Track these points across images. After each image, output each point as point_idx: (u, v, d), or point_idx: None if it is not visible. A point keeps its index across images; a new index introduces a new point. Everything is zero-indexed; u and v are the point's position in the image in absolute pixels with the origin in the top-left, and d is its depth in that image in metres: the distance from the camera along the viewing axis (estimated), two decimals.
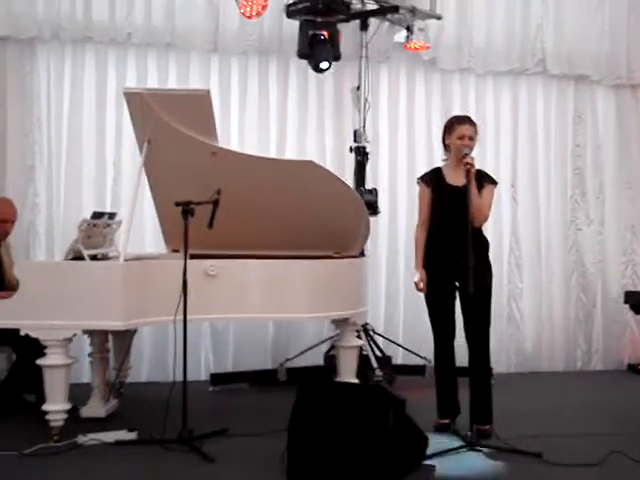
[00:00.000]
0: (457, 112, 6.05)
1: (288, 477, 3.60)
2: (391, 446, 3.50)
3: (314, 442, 3.58)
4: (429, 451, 3.94)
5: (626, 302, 4.93)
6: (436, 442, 4.06)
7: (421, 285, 4.53)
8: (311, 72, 6.05)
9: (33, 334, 4.12)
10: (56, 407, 4.17)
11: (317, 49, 5.67)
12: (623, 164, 6.83)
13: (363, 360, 5.57)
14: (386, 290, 6.41)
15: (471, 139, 4.47)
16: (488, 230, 6.04)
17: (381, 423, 3.51)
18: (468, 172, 4.30)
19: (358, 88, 6.02)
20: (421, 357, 5.81)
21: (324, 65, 5.83)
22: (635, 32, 6.74)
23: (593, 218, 6.74)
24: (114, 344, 5.06)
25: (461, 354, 4.56)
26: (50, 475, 3.75)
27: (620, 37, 6.73)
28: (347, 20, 5.94)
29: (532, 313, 6.63)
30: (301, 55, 5.79)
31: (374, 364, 5.72)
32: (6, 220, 5.08)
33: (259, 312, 4.62)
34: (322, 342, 5.94)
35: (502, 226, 6.56)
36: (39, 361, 4.17)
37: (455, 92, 6.56)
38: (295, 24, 5.88)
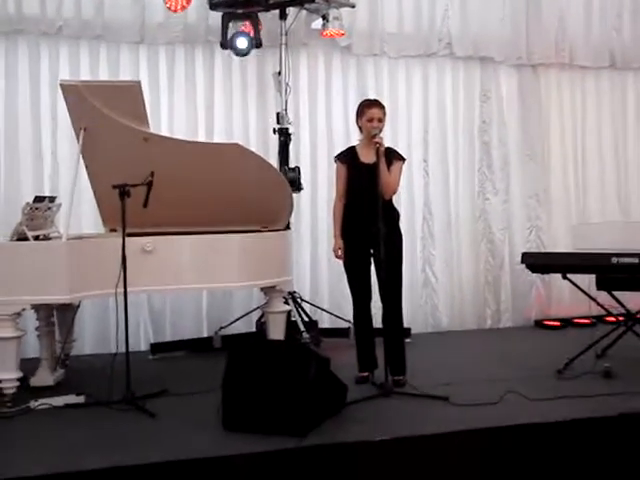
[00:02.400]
0: (372, 94, 6.56)
1: (224, 426, 4.02)
2: (313, 395, 3.96)
3: (245, 394, 4.00)
4: (349, 399, 4.43)
5: (522, 262, 5.41)
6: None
7: (339, 252, 4.99)
8: (235, 59, 6.44)
9: None
10: (8, 376, 4.46)
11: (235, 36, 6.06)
12: (526, 138, 7.39)
13: (292, 325, 6.03)
14: (310, 260, 6.83)
15: (380, 121, 4.91)
16: (402, 202, 6.64)
17: (303, 375, 3.95)
18: (377, 150, 4.78)
19: (279, 73, 6.38)
20: (345, 320, 6.24)
21: (241, 43, 6.11)
22: (534, 16, 7.30)
23: (499, 188, 7.29)
24: (58, 319, 5.32)
25: (380, 316, 5.04)
26: (6, 437, 4.04)
27: (520, 21, 7.27)
28: (267, 10, 6.35)
29: (445, 277, 7.15)
30: (223, 46, 6.16)
31: (302, 328, 6.21)
32: None
33: (193, 283, 4.99)
34: (253, 310, 6.37)
35: (415, 198, 7.05)
36: None
37: (370, 75, 6.99)
38: (218, 14, 6.27)
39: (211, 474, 3.59)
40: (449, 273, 7.19)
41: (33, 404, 4.53)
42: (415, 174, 7.06)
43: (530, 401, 4.47)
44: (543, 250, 7.22)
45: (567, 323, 7.17)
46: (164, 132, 6.01)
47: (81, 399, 4.63)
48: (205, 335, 6.46)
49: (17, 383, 4.55)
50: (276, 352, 4.22)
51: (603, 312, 5.74)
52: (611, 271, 5.16)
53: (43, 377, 5.06)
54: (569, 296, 7.11)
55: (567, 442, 4.07)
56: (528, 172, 7.40)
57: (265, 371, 4.02)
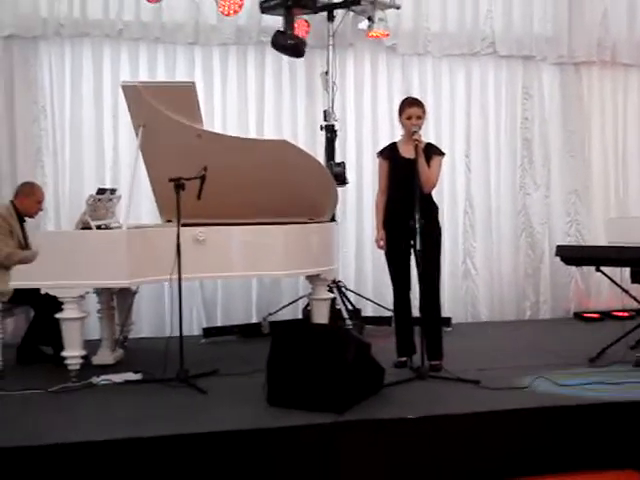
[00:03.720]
0: (416, 92, 6.87)
1: (268, 402, 4.34)
2: (351, 375, 4.24)
3: (289, 373, 4.30)
4: (387, 382, 4.69)
5: (557, 254, 5.64)
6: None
7: (381, 243, 5.25)
8: (285, 59, 6.77)
9: (52, 292, 4.81)
10: (73, 353, 4.88)
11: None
12: (567, 135, 7.58)
13: (336, 313, 6.36)
14: (355, 251, 7.14)
15: (419, 118, 5.15)
16: (445, 196, 6.90)
17: (342, 356, 4.23)
18: (416, 147, 5.05)
19: (327, 73, 6.70)
20: (387, 309, 6.48)
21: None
22: (576, 14, 7.49)
23: (540, 183, 7.51)
24: (118, 303, 5.73)
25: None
26: (72, 408, 4.43)
27: (562, 19, 7.46)
28: (315, 12, 6.66)
29: (485, 269, 7.41)
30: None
31: (345, 316, 6.51)
32: (42, 201, 5.80)
33: (242, 271, 5.31)
34: (299, 298, 6.70)
35: (457, 192, 7.32)
36: (58, 315, 4.86)
37: (414, 74, 7.28)
38: (270, 17, 6.60)
39: (256, 444, 3.89)
40: (489, 265, 7.43)
41: (95, 380, 4.90)
42: (458, 169, 7.33)
43: (559, 387, 4.67)
44: (583, 244, 7.39)
45: (606, 315, 7.33)
46: (217, 129, 6.37)
47: (139, 376, 4.99)
48: (254, 321, 6.82)
49: (81, 360, 4.95)
50: (318, 335, 4.53)
51: None
52: None
53: (104, 356, 5.47)
54: (608, 289, 7.28)
55: (593, 425, 4.27)
56: (568, 168, 7.59)
57: (307, 352, 4.31)
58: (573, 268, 7.27)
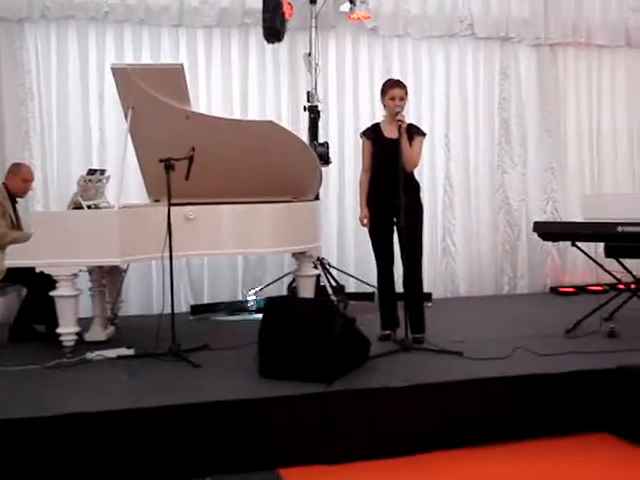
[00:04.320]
0: (397, 73, 7.03)
1: (260, 373, 4.52)
2: (338, 347, 4.41)
3: (279, 346, 4.47)
4: (372, 354, 4.88)
5: (534, 230, 5.84)
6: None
7: (365, 221, 5.41)
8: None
9: (46, 271, 4.93)
10: (68, 330, 5.01)
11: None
12: (543, 114, 7.80)
13: (320, 289, 6.54)
14: (337, 229, 7.32)
15: (401, 99, 5.29)
16: (425, 175, 7.10)
17: (329, 329, 4.40)
18: (400, 127, 5.20)
19: (309, 54, 6.83)
20: (369, 285, 6.68)
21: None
22: None
23: (517, 162, 7.74)
24: (108, 282, 5.85)
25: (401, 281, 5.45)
26: (69, 382, 4.55)
27: (538, 2, 7.67)
28: None
29: (464, 246, 7.64)
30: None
31: (330, 292, 6.69)
32: (30, 180, 5.91)
33: (231, 248, 5.44)
34: (285, 275, 6.88)
35: (437, 171, 7.52)
36: (52, 292, 4.98)
37: (394, 56, 7.44)
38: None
39: (248, 413, 4.06)
40: (468, 242, 7.65)
41: (90, 355, 5.03)
42: (437, 148, 7.52)
43: (538, 356, 4.88)
44: (559, 220, 7.61)
45: (581, 290, 7.59)
46: (202, 110, 6.44)
47: (131, 351, 5.13)
48: (240, 298, 6.98)
49: (75, 337, 5.09)
50: (306, 309, 4.71)
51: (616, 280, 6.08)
52: (617, 239, 5.49)
53: (96, 333, 5.59)
54: (583, 265, 7.53)
55: (569, 392, 4.49)
56: (545, 147, 7.82)
57: (296, 325, 4.47)
58: (549, 244, 7.49)
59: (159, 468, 3.87)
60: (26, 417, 3.83)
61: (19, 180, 5.81)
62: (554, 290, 7.71)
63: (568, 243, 5.78)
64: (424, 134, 5.48)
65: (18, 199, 5.91)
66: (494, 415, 4.37)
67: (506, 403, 4.41)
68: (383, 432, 4.19)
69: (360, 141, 5.57)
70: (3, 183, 5.78)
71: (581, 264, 7.61)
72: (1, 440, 3.72)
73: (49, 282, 5.04)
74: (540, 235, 5.83)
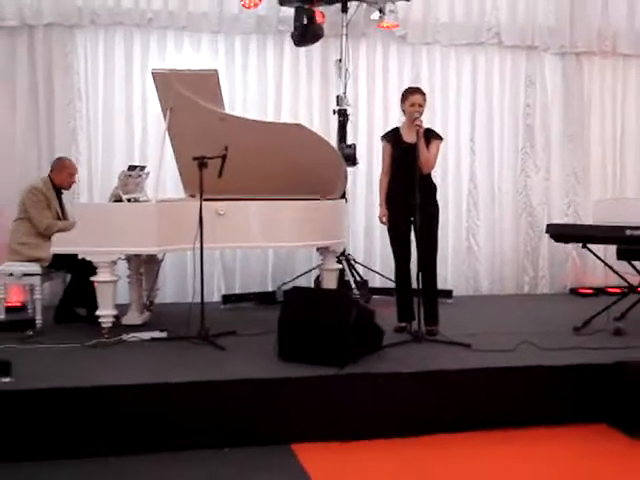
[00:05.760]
0: (425, 80, 7.38)
1: (279, 356, 4.89)
2: (352, 334, 4.74)
3: (297, 331, 4.84)
4: (385, 343, 5.21)
5: (546, 232, 6.11)
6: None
7: (384, 219, 5.75)
8: (302, 48, 7.25)
9: (88, 258, 5.36)
10: (106, 312, 5.42)
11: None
12: (567, 121, 8.05)
13: (345, 284, 6.90)
14: (365, 227, 7.66)
15: (420, 106, 5.60)
16: (450, 176, 7.43)
17: (345, 317, 4.75)
18: (417, 131, 5.53)
19: (340, 60, 7.17)
20: (392, 281, 7.01)
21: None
22: (577, 6, 7.94)
23: (540, 166, 7.99)
24: (145, 271, 6.27)
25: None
26: (106, 359, 4.97)
27: (565, 11, 7.90)
28: (330, 4, 7.14)
29: (487, 246, 7.93)
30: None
31: (353, 286, 7.04)
32: (75, 174, 6.35)
33: (259, 242, 5.82)
34: (311, 269, 7.24)
35: (462, 173, 7.82)
36: (93, 278, 5.41)
37: (423, 62, 7.75)
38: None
39: (266, 392, 4.43)
40: (491, 242, 7.94)
41: (125, 336, 5.45)
42: (463, 152, 7.84)
43: (541, 350, 5.17)
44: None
45: (599, 292, 7.81)
46: (238, 112, 6.84)
47: (164, 334, 5.54)
48: (270, 289, 7.38)
49: (113, 319, 5.50)
50: (324, 298, 5.08)
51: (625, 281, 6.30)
52: (626, 242, 5.72)
53: (132, 317, 6.02)
54: (602, 267, 7.71)
55: (568, 384, 4.78)
56: (568, 152, 8.06)
57: (314, 313, 4.84)
58: (570, 246, 7.74)
59: (181, 437, 4.26)
60: (68, 387, 4.26)
61: (66, 175, 6.24)
62: (573, 291, 7.96)
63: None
64: (441, 138, 5.77)
65: (63, 191, 6.33)
66: (496, 402, 4.68)
67: (507, 392, 4.70)
68: (391, 414, 4.53)
69: (381, 144, 5.89)
70: (49, 176, 6.21)
71: (601, 266, 7.77)
72: (46, 406, 4.15)
73: (91, 268, 5.45)
74: (552, 236, 6.08)
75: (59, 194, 6.24)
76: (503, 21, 7.79)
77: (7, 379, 4.28)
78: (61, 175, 6.22)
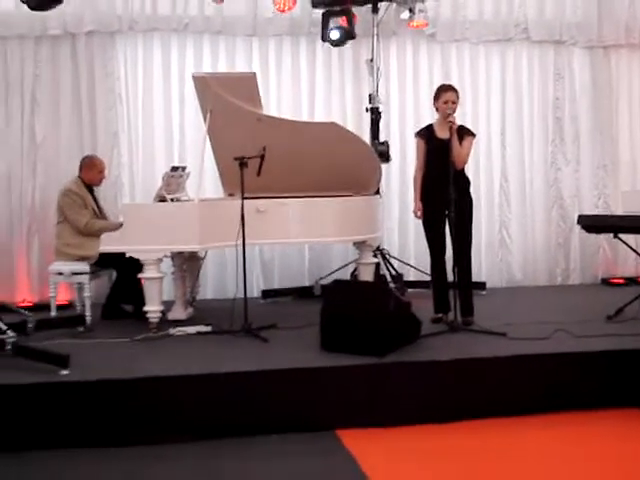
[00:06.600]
0: (455, 76, 7.53)
1: (322, 347, 5.08)
2: (391, 325, 4.93)
3: (338, 322, 5.01)
4: (423, 333, 5.36)
5: (578, 223, 6.26)
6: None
7: (419, 213, 5.91)
8: (334, 49, 7.43)
9: (135, 256, 5.58)
10: (154, 308, 5.64)
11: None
12: (596, 113, 8.15)
13: (380, 277, 7.06)
14: (399, 222, 7.84)
15: (453, 103, 5.76)
16: (482, 171, 7.58)
17: (383, 308, 4.93)
18: (451, 128, 5.69)
19: (372, 60, 7.33)
20: (428, 274, 7.13)
21: (334, 35, 7.16)
22: (604, 1, 8.00)
23: (570, 159, 8.11)
24: (188, 268, 6.46)
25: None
26: (154, 353, 5.17)
27: (592, 6, 8.00)
28: (361, 5, 7.32)
29: (519, 238, 8.07)
30: (324, 39, 7.20)
31: (389, 280, 7.21)
32: (104, 170, 6.56)
33: (297, 237, 6.02)
34: (348, 264, 7.40)
35: (493, 167, 7.97)
36: (140, 275, 5.63)
37: (452, 60, 7.90)
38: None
39: (310, 380, 4.61)
40: (523, 235, 8.08)
41: (172, 331, 5.66)
42: (493, 146, 7.97)
43: (575, 337, 5.30)
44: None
45: (631, 281, 7.93)
46: (273, 113, 7.05)
47: (209, 328, 5.73)
48: (307, 284, 7.57)
49: (160, 315, 5.72)
50: (363, 290, 5.26)
51: None
52: None
53: (177, 312, 6.24)
54: (634, 257, 7.84)
55: (601, 370, 4.91)
56: (597, 145, 8.17)
57: (353, 304, 5.01)
58: (601, 237, 7.85)
59: (230, 425, 4.44)
60: (118, 378, 4.48)
61: (96, 172, 6.42)
62: (605, 281, 8.06)
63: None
64: (474, 135, 5.93)
65: (96, 188, 6.52)
66: (532, 389, 4.81)
67: (543, 378, 4.83)
68: (429, 400, 4.68)
69: (415, 140, 6.06)
70: (79, 176, 6.38)
71: (632, 256, 7.88)
72: (96, 397, 4.38)
73: (136, 266, 5.67)
74: (584, 227, 6.22)
75: (92, 192, 6.43)
76: (531, 17, 7.90)
77: (65, 371, 4.51)
78: (92, 172, 6.41)
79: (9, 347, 4.70)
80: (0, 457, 4.12)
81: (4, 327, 4.80)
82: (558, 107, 8.09)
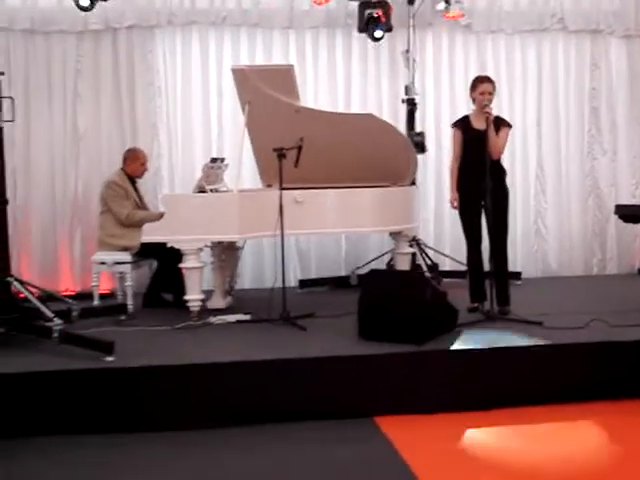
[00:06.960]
0: (491, 67, 7.55)
1: (359, 334, 5.16)
2: (428, 313, 5.01)
3: (376, 310, 5.09)
4: (459, 322, 5.43)
5: (616, 213, 6.26)
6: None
7: (455, 203, 5.93)
8: (370, 40, 7.49)
9: (176, 246, 5.67)
10: (194, 296, 5.73)
11: (372, 25, 7.12)
12: (633, 102, 8.11)
13: (416, 267, 7.13)
14: (435, 212, 7.89)
15: (490, 94, 5.78)
16: (517, 161, 7.59)
17: (420, 297, 5.01)
18: (487, 119, 5.72)
19: (407, 51, 7.42)
20: (463, 264, 7.13)
21: (378, 34, 7.27)
22: None
23: (607, 149, 8.09)
24: (226, 257, 6.56)
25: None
26: (194, 341, 5.28)
27: None
28: None
29: (555, 228, 8.08)
30: (361, 30, 7.26)
31: (424, 269, 7.27)
32: (146, 162, 6.69)
33: (335, 227, 6.08)
34: (384, 254, 7.48)
35: (529, 158, 7.98)
36: (181, 264, 5.72)
37: (488, 50, 7.92)
38: (355, 2, 7.32)
39: (349, 368, 4.69)
40: (559, 225, 8.08)
41: (212, 319, 5.78)
42: (529, 136, 7.98)
43: (611, 327, 5.31)
44: None
45: None
46: (310, 104, 7.10)
47: (248, 317, 5.85)
48: (344, 274, 7.65)
49: (200, 303, 5.82)
50: (400, 279, 5.33)
51: None
52: None
53: (216, 301, 6.35)
54: None
55: (634, 359, 4.93)
56: (634, 134, 8.13)
57: (391, 293, 5.08)
58: (638, 227, 7.81)
59: (269, 412, 4.53)
60: (160, 364, 4.61)
61: (138, 165, 6.57)
62: None
63: None
64: (510, 125, 5.94)
65: (137, 179, 6.65)
66: (566, 377, 4.83)
67: (579, 367, 4.86)
68: (466, 388, 4.74)
69: (451, 131, 6.10)
70: (122, 169, 6.54)
71: None
72: (139, 381, 4.50)
73: (177, 256, 5.78)
74: (621, 217, 6.21)
75: (134, 183, 6.57)
76: (567, 6, 7.88)
77: (111, 358, 4.64)
78: (135, 164, 6.55)
79: (56, 334, 4.84)
80: (53, 440, 4.26)
81: (51, 315, 4.94)
82: (594, 97, 8.06)
